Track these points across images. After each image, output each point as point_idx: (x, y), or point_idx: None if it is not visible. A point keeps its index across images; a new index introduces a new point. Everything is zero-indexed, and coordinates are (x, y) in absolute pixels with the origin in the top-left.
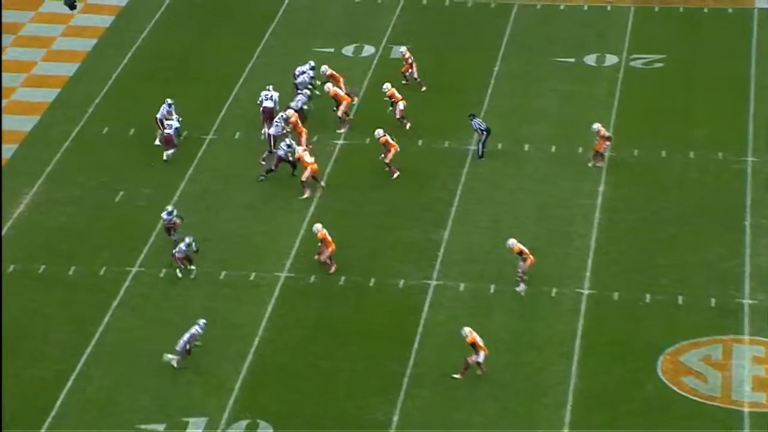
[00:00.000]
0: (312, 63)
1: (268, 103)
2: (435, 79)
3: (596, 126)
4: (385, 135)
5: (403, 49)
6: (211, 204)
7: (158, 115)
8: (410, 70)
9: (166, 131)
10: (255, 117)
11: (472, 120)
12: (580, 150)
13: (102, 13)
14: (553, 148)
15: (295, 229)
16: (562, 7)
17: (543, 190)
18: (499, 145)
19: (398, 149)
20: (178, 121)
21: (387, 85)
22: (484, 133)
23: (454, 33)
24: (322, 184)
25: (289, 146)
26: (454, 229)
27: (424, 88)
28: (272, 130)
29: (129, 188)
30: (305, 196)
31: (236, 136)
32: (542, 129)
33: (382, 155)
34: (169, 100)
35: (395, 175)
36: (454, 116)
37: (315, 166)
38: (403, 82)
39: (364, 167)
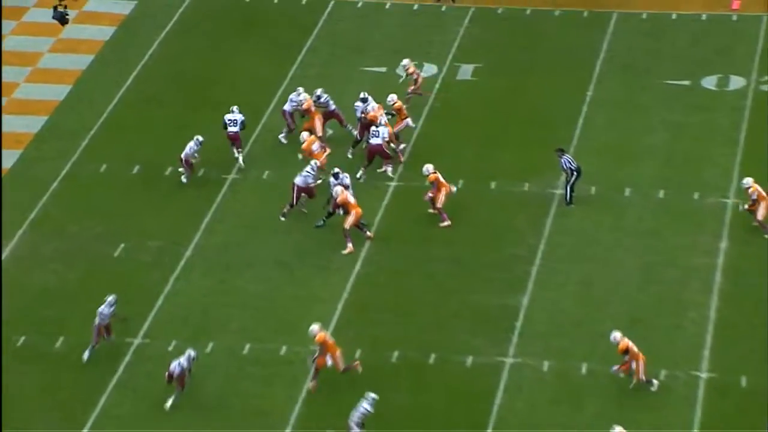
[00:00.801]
0: (363, 94)
1: (233, 128)
2: (512, 106)
3: (747, 181)
4: (435, 172)
5: (407, 61)
6: (232, 261)
7: (183, 155)
8: (412, 87)
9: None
10: (287, 153)
11: (560, 157)
12: (696, 196)
13: (100, 23)
14: (662, 194)
15: (337, 293)
16: (674, 17)
17: (649, 245)
18: (593, 189)
19: (452, 191)
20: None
21: (393, 97)
22: (575, 173)
23: (537, 49)
24: (369, 233)
25: (312, 171)
26: (535, 294)
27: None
28: (299, 180)
29: (131, 240)
30: (347, 250)
31: (264, 176)
32: (647, 170)
33: (430, 195)
34: (200, 138)
35: (444, 224)
36: (536, 153)
37: (359, 210)
38: (405, 105)
39: (422, 214)
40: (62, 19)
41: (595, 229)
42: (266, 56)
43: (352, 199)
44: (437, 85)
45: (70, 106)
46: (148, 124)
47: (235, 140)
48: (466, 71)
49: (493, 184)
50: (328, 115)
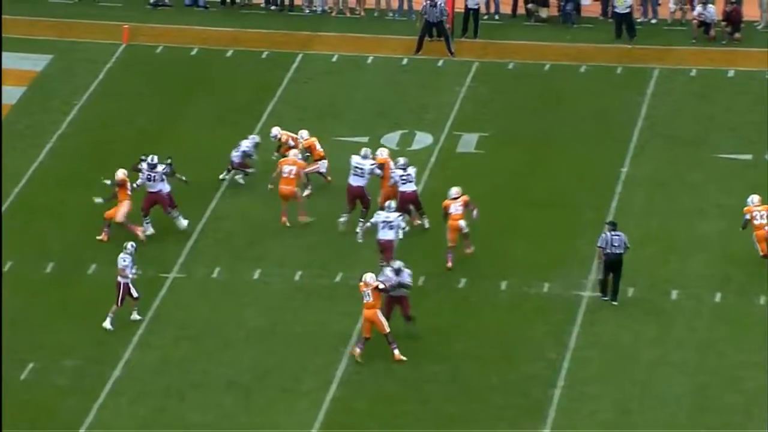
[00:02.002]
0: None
1: (153, 187)
2: (527, 186)
3: (753, 199)
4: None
5: (276, 130)
6: (172, 382)
7: (236, 159)
8: (312, 167)
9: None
10: (240, 246)
11: (611, 232)
12: (762, 300)
13: (5, 82)
14: (718, 297)
15: (305, 423)
16: (730, 74)
17: (702, 363)
18: (630, 291)
19: (474, 214)
20: (166, 174)
21: (304, 133)
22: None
23: (558, 114)
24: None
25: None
26: (558, 422)
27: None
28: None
29: (42, 359)
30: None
31: (214, 274)
32: (698, 266)
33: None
34: (257, 138)
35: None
36: (557, 245)
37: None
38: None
39: (419, 318)
40: None
41: (633, 342)
42: (216, 124)
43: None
44: (432, 159)
45: None
46: (64, 210)
47: (160, 201)
48: (468, 142)
49: (503, 284)
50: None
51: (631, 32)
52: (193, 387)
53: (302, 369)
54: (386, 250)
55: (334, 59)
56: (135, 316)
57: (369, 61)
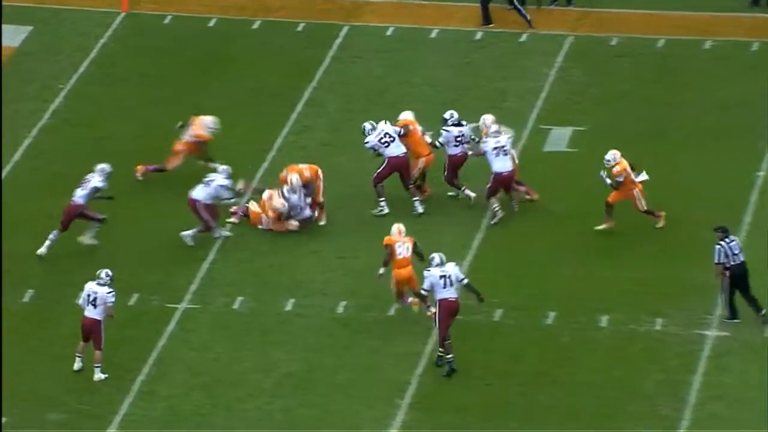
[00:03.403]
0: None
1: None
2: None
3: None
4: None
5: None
6: None
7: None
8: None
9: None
10: (260, 270)
11: (721, 241)
12: None
13: None
14: None
15: None
16: None
17: None
18: None
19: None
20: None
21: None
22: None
23: (674, 102)
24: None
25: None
26: None
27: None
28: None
29: None
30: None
31: (235, 305)
32: None
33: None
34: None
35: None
36: (673, 267)
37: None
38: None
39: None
40: None
41: None
42: (240, 115)
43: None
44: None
45: None
46: (47, 224)
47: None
48: (559, 138)
49: (603, 320)
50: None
51: None
52: None
53: (348, 426)
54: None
55: (389, 33)
56: (98, 375)
57: (432, 35)
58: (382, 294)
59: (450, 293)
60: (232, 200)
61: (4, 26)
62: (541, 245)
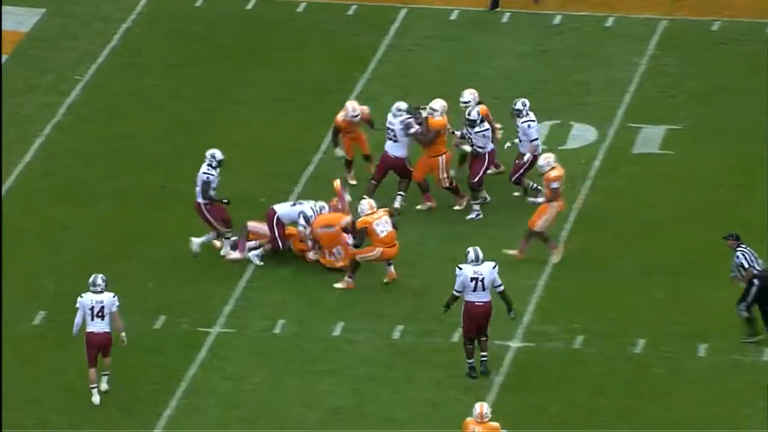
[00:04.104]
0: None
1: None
2: (738, 203)
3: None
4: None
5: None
6: None
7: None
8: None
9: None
10: (305, 290)
11: (735, 249)
12: None
13: None
14: None
15: None
16: None
17: None
18: None
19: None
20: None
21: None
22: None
23: None
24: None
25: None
26: None
27: None
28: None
29: None
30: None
31: (276, 329)
32: None
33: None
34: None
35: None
36: None
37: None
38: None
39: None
40: None
41: None
42: (282, 110)
43: None
44: (597, 162)
45: None
46: (61, 236)
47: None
48: (651, 138)
49: (702, 349)
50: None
51: None
52: None
53: None
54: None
55: (453, 17)
56: (104, 385)
57: (504, 19)
58: (446, 317)
59: (479, 296)
60: (300, 228)
61: (12, 9)
62: (629, 260)
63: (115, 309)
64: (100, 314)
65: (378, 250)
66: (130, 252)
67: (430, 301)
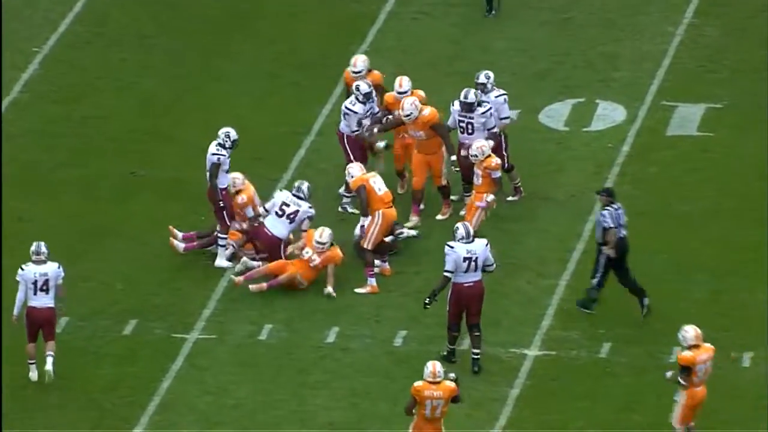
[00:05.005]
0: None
1: None
2: None
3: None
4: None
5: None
6: None
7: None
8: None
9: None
10: (295, 291)
11: (613, 206)
12: None
13: None
14: None
15: None
16: None
17: None
18: None
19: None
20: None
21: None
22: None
23: None
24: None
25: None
26: None
27: None
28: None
29: None
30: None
31: (262, 335)
32: None
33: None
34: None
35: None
36: None
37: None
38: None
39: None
40: None
41: None
42: (269, 88)
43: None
44: (626, 147)
45: None
46: (24, 231)
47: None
48: (688, 118)
49: (747, 358)
50: None
51: None
52: None
53: None
54: None
55: None
56: (50, 366)
57: None
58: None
59: (468, 277)
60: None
61: None
62: (663, 258)
63: (60, 281)
64: (44, 287)
65: (378, 215)
66: (97, 248)
67: (434, 303)
